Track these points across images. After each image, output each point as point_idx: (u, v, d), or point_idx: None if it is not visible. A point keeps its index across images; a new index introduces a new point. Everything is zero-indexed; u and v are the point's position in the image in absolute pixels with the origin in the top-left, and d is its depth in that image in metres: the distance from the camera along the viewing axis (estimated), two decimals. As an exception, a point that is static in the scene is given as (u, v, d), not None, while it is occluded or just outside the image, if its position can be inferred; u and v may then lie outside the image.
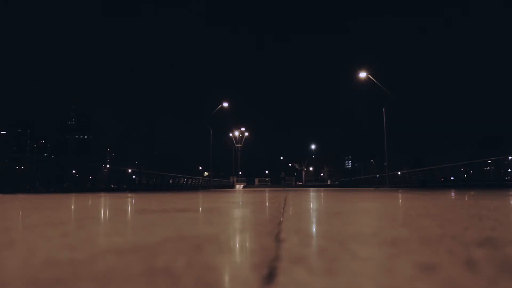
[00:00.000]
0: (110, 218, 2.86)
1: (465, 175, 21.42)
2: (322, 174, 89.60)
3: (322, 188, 26.57)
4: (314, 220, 2.47)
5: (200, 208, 3.68)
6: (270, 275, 0.95)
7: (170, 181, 30.73)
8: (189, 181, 36.20)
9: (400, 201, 5.01)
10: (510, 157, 18.27)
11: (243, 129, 53.99)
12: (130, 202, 5.19)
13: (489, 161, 19.03)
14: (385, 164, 27.22)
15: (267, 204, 4.49)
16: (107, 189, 19.08)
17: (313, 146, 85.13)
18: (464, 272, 0.96)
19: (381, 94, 25.83)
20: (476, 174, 19.63)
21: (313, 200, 5.53)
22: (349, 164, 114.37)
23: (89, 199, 6.17)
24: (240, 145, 53.61)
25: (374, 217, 2.64)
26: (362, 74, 25.80)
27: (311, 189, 22.22)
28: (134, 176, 27.03)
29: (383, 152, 26.69)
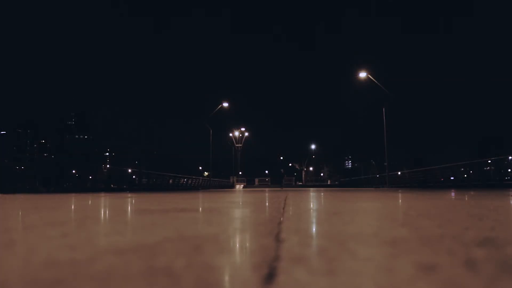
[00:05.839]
0: (110, 218, 2.86)
1: (465, 175, 21.44)
2: (322, 174, 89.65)
3: (322, 188, 26.55)
4: (314, 220, 2.47)
5: (200, 208, 3.68)
6: (270, 275, 0.95)
7: (170, 181, 30.73)
8: (189, 181, 36.19)
9: (400, 201, 5.01)
10: (510, 157, 18.27)
11: (243, 129, 53.98)
12: (130, 202, 5.19)
13: (489, 161, 19.06)
14: (385, 164, 27.22)
15: (267, 204, 4.49)
16: (107, 189, 19.08)
17: (313, 146, 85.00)
18: (464, 272, 0.96)
19: (381, 94, 25.84)
20: (476, 174, 19.64)
21: (313, 200, 5.53)
22: (349, 164, 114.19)
23: (89, 199, 6.16)
24: (240, 145, 53.57)
25: (374, 217, 2.64)
26: (362, 74, 25.81)
27: (311, 189, 22.21)
28: (134, 176, 27.06)
29: (383, 152, 26.67)
